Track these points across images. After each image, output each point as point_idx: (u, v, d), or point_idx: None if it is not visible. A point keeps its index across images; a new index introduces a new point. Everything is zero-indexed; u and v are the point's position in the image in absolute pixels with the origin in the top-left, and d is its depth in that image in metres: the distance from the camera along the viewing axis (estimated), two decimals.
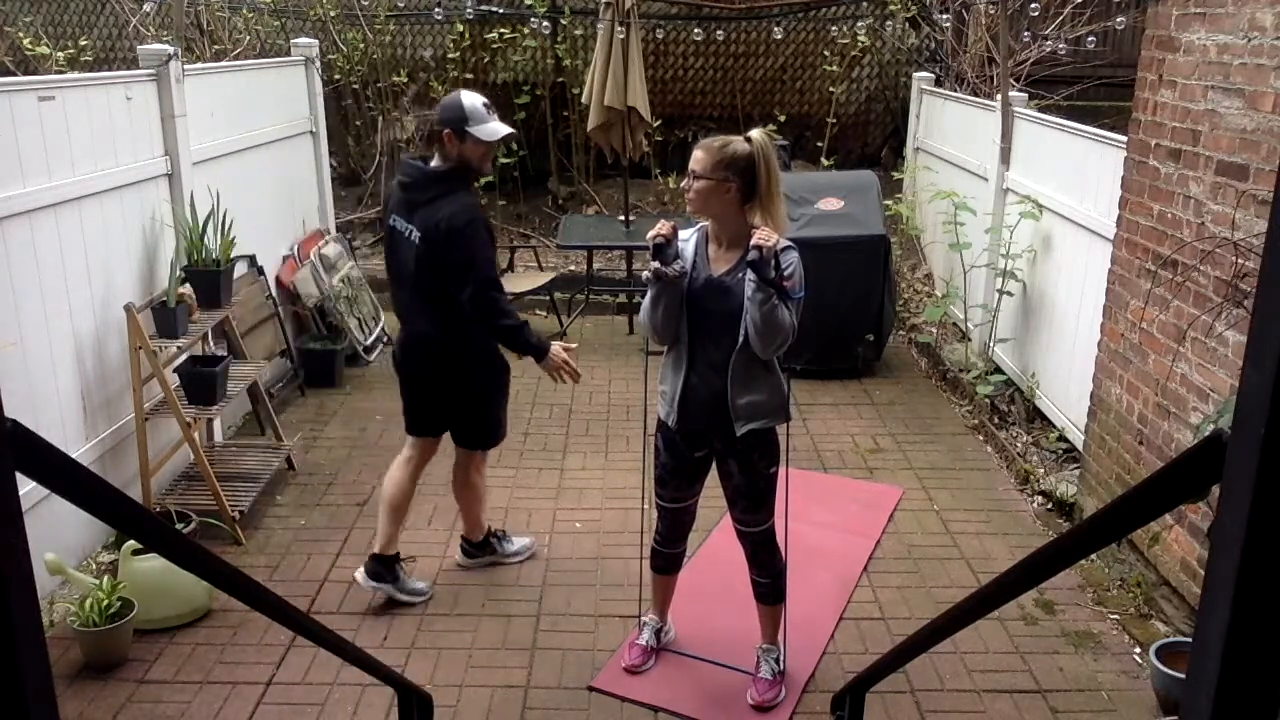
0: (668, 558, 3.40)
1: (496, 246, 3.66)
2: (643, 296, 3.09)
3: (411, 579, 3.86)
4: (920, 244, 7.62)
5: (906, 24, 8.65)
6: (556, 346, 3.59)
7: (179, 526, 3.92)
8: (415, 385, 3.72)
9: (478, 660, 3.46)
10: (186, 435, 4.14)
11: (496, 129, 3.53)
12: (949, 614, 2.00)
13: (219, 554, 2.25)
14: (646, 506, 4.24)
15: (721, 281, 2.99)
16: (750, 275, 2.87)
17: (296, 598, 3.73)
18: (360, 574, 3.77)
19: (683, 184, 3.05)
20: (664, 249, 2.93)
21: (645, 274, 2.98)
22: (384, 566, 3.75)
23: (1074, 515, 4.43)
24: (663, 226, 2.96)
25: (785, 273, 2.89)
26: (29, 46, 7.64)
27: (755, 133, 2.97)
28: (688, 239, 3.07)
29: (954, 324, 6.54)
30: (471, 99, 3.54)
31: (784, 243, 2.92)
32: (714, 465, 3.22)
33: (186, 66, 4.75)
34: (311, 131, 6.68)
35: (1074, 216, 4.93)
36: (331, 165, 7.21)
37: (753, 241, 2.85)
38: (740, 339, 2.95)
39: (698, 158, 2.95)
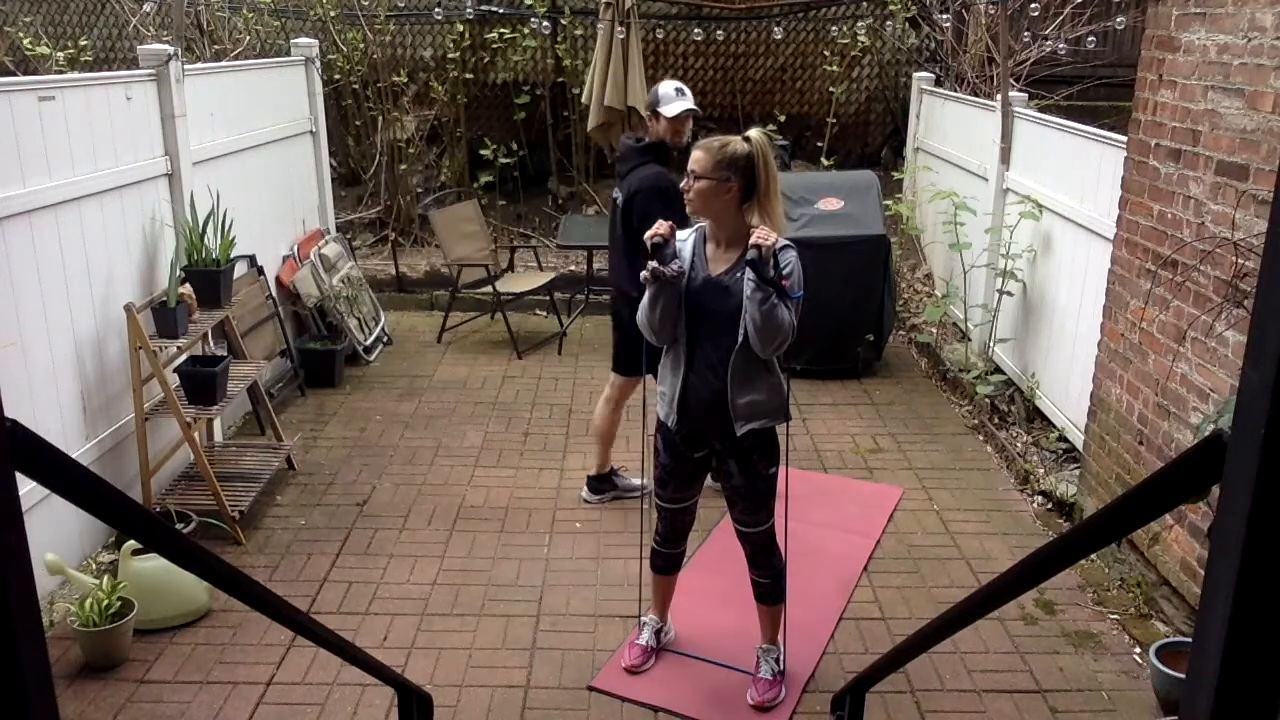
0: (667, 558, 3.40)
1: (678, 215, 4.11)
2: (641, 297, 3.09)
3: (628, 478, 4.64)
4: (920, 244, 7.62)
5: (906, 24, 8.64)
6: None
7: (179, 526, 3.93)
8: (614, 326, 4.51)
9: (478, 660, 3.46)
10: (186, 435, 4.14)
11: (677, 106, 4.06)
12: (949, 614, 2.00)
13: (219, 554, 2.25)
14: (646, 507, 4.24)
15: (720, 281, 2.98)
16: (749, 275, 2.87)
17: (296, 598, 3.73)
18: (584, 492, 4.59)
19: (682, 184, 3.04)
20: (662, 249, 2.92)
21: (643, 274, 2.98)
22: (602, 482, 4.58)
23: (1074, 515, 4.43)
24: (660, 226, 2.95)
25: (784, 272, 2.88)
26: (29, 46, 7.64)
27: (753, 132, 2.98)
28: (685, 239, 3.06)
29: (954, 324, 6.54)
30: (666, 85, 4.14)
31: (782, 242, 2.92)
32: (713, 465, 3.22)
33: (186, 66, 4.75)
34: (311, 131, 6.68)
35: (1074, 216, 4.93)
36: (331, 165, 7.22)
37: (751, 241, 2.85)
38: (740, 339, 2.95)
39: (697, 158, 2.95)
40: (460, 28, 8.27)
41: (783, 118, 8.49)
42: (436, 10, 7.78)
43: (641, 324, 3.11)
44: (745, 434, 3.02)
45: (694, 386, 3.05)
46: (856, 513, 4.49)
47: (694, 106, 4.15)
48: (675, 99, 4.10)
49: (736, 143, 2.95)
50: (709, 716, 3.19)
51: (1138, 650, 3.51)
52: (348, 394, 5.89)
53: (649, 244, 2.93)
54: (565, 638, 3.59)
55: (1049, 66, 7.26)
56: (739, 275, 2.94)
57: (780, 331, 2.89)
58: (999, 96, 5.96)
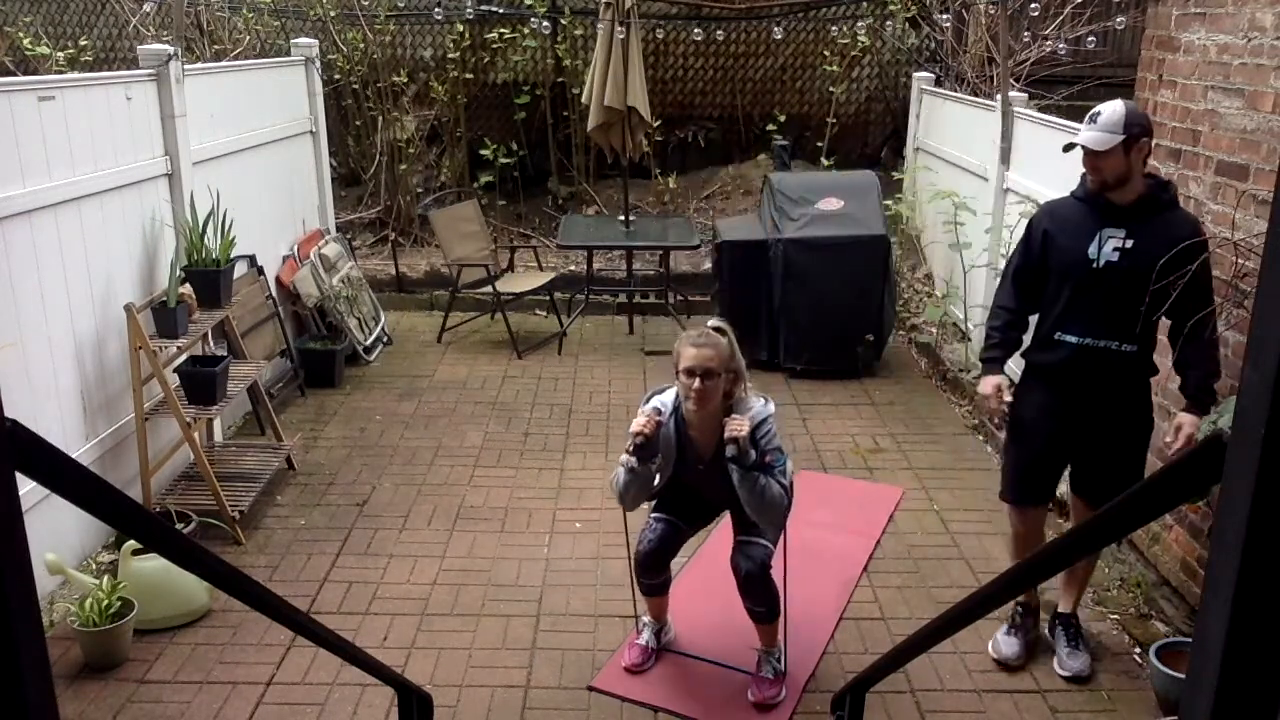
0: (651, 586, 3.39)
1: (1029, 253, 3.35)
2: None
3: (1008, 641, 3.45)
4: (920, 244, 7.62)
5: (906, 24, 8.64)
6: (988, 383, 3.39)
7: (179, 526, 3.93)
8: (1012, 417, 3.55)
9: (478, 660, 3.46)
10: (186, 435, 4.14)
11: (1074, 139, 3.17)
12: (949, 614, 2.00)
13: (219, 554, 2.25)
14: (646, 506, 4.24)
15: (710, 470, 3.08)
16: (733, 468, 2.93)
17: (296, 598, 3.73)
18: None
19: (693, 386, 2.95)
20: (646, 448, 2.98)
21: (623, 457, 3.02)
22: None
23: (1074, 515, 4.42)
24: (646, 425, 2.96)
25: (764, 445, 2.95)
26: (29, 46, 7.65)
27: (717, 321, 3.09)
28: (665, 418, 3.07)
29: (954, 324, 6.54)
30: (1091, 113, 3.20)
31: (759, 415, 2.99)
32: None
33: (186, 66, 4.75)
34: (311, 131, 6.68)
35: None
36: (331, 165, 7.21)
37: (726, 434, 2.88)
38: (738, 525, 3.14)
39: (708, 356, 2.94)
40: (460, 28, 8.27)
41: (783, 118, 8.49)
42: (436, 10, 7.77)
43: (614, 493, 3.16)
44: None
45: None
46: (856, 513, 4.49)
47: (1077, 140, 3.13)
48: (1080, 129, 3.15)
49: (717, 335, 3.01)
50: (709, 716, 3.19)
51: (1138, 650, 3.50)
52: (348, 394, 5.89)
53: (632, 441, 2.97)
54: (565, 638, 3.59)
55: (1049, 66, 7.25)
56: (725, 456, 2.97)
57: (777, 505, 2.98)
58: (999, 96, 5.95)
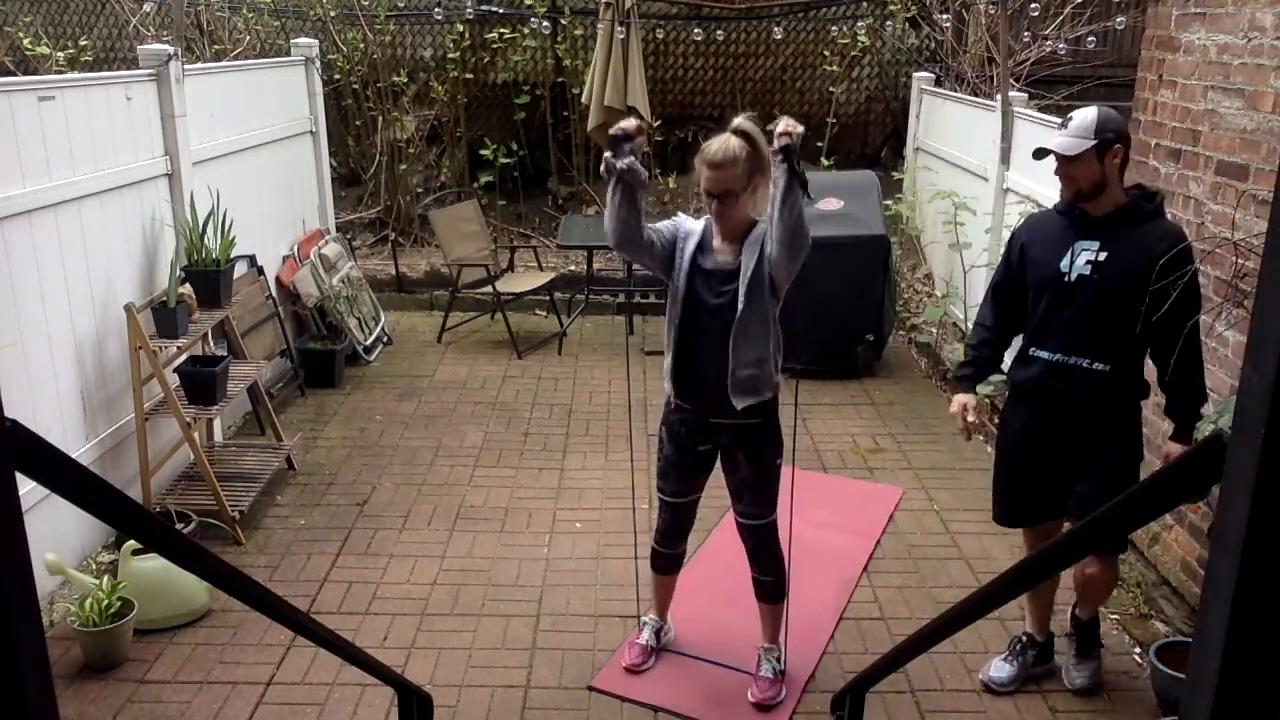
0: (667, 559, 3.40)
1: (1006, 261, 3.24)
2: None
3: (1001, 665, 3.35)
4: (920, 244, 7.62)
5: (906, 24, 8.65)
6: (955, 402, 3.31)
7: (179, 526, 3.93)
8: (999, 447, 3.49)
9: (478, 660, 3.46)
10: (186, 435, 4.15)
11: (1044, 144, 3.03)
12: (949, 614, 2.00)
13: (219, 554, 2.25)
14: (646, 507, 4.24)
15: (724, 266, 3.00)
16: (778, 170, 2.79)
17: (296, 598, 3.73)
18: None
19: (709, 206, 2.96)
20: (620, 142, 2.87)
21: (601, 169, 2.93)
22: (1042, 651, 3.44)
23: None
24: (629, 123, 2.92)
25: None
26: (29, 46, 7.65)
27: (742, 122, 2.94)
28: (695, 229, 3.07)
29: (954, 324, 6.54)
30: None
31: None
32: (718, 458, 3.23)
33: (186, 66, 4.75)
34: (311, 131, 6.68)
35: None
36: (331, 165, 7.21)
37: (780, 129, 2.76)
38: (740, 310, 2.93)
39: (720, 178, 2.88)
40: (460, 28, 8.27)
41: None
42: (436, 10, 7.77)
43: (605, 226, 3.02)
44: (753, 423, 3.05)
45: (696, 370, 3.06)
46: (856, 513, 4.49)
47: (1047, 145, 2.98)
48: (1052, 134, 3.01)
49: (735, 144, 2.90)
50: (709, 716, 3.19)
51: (1138, 650, 3.51)
52: (348, 394, 5.89)
53: (612, 135, 2.88)
54: (565, 638, 3.59)
55: (1049, 66, 7.26)
56: (741, 259, 2.96)
57: (805, 236, 2.84)
58: (999, 96, 5.96)
